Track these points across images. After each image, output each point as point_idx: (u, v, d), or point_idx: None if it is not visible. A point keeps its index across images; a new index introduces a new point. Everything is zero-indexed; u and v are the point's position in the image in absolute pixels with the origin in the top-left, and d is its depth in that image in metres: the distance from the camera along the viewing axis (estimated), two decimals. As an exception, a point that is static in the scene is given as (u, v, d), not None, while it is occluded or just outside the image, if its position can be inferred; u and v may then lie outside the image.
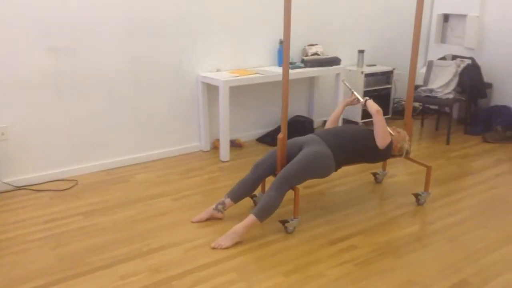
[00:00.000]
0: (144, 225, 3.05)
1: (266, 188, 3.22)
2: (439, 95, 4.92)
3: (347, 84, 3.63)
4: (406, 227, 3.08)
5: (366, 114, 3.86)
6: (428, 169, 3.38)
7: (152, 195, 3.50)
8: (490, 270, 2.60)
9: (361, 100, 3.32)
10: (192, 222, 3.08)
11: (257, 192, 3.34)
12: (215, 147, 4.49)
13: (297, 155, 3.01)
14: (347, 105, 3.49)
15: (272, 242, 2.86)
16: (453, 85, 4.95)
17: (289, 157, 3.06)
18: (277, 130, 4.85)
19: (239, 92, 4.62)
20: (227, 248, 2.79)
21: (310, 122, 4.93)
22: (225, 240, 2.82)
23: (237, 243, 2.82)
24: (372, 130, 3.17)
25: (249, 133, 4.84)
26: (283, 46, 2.97)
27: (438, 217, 3.22)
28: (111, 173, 3.90)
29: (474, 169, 4.10)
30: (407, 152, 3.36)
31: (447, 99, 4.89)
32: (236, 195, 3.12)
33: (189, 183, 3.72)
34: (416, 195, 3.42)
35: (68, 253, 2.72)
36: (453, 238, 2.94)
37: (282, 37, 4.70)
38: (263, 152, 4.48)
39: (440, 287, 2.45)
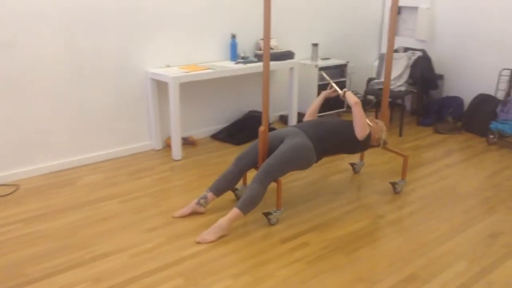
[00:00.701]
0: (88, 231, 2.92)
1: (248, 181, 3.28)
2: (391, 87, 4.94)
3: (325, 75, 3.64)
4: (358, 221, 3.07)
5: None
6: (405, 158, 3.43)
7: (99, 198, 3.36)
8: (439, 262, 2.61)
9: (340, 92, 3.33)
10: (174, 217, 3.07)
11: (239, 185, 3.33)
12: (167, 145, 4.37)
13: (279, 148, 3.00)
14: (326, 97, 3.49)
15: (223, 243, 2.78)
16: (405, 77, 4.99)
17: (270, 150, 3.06)
18: (232, 126, 4.78)
19: (191, 88, 4.50)
20: (212, 242, 2.78)
21: (265, 117, 4.86)
22: (209, 234, 2.80)
23: (218, 239, 2.74)
24: (351, 122, 3.19)
25: (203, 129, 4.74)
26: (263, 40, 2.91)
27: (390, 210, 3.22)
28: (55, 176, 3.72)
29: (425, 160, 4.14)
30: (385, 142, 3.39)
31: (399, 91, 4.92)
32: (218, 189, 3.11)
33: (138, 184, 3.59)
34: (393, 184, 3.48)
35: (4, 264, 2.57)
36: (403, 231, 2.94)
37: (233, 31, 4.64)
38: (217, 149, 4.40)
39: (389, 282, 2.44)
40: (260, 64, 4.54)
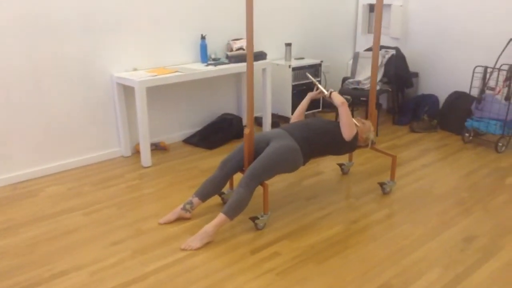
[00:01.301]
0: (49, 246, 2.77)
1: (234, 185, 3.23)
2: (365, 86, 4.87)
3: (310, 76, 3.58)
4: (331, 227, 2.97)
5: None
6: (393, 158, 3.38)
7: (61, 210, 3.21)
8: (412, 270, 2.53)
9: (326, 92, 3.26)
10: (159, 223, 2.99)
11: (225, 189, 3.26)
12: (137, 151, 4.23)
13: (265, 150, 2.95)
14: (312, 98, 3.43)
15: (190, 256, 2.66)
16: (379, 76, 4.92)
17: (256, 153, 3.01)
18: (205, 130, 4.66)
19: (161, 91, 4.37)
20: (197, 249, 2.70)
21: (239, 119, 4.76)
22: (194, 241, 2.74)
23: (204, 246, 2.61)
24: (338, 122, 3.14)
25: (175, 134, 4.60)
26: (247, 41, 2.82)
27: (364, 214, 3.14)
28: (16, 187, 3.56)
29: (401, 160, 4.08)
30: (373, 142, 3.34)
31: (374, 90, 4.84)
32: (204, 194, 3.05)
33: (104, 194, 3.45)
34: (382, 184, 3.43)
35: (-45, 286, 2.41)
36: (376, 237, 2.86)
37: (203, 32, 4.51)
38: (189, 154, 4.28)
39: (362, 293, 2.35)
40: (231, 66, 4.43)
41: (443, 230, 2.94)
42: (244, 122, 5.02)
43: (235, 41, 4.72)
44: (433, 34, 5.19)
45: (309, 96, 3.46)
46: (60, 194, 3.44)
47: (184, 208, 3.04)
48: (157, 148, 4.36)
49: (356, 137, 3.19)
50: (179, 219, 3.04)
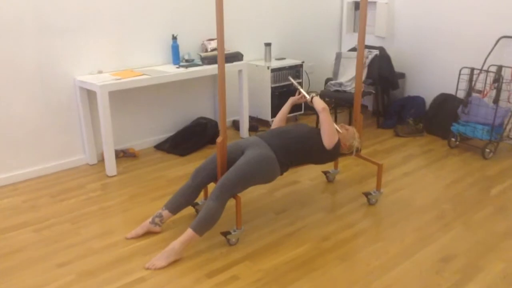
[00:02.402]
0: (-11, 268, 2.55)
1: (209, 194, 2.94)
2: (348, 89, 4.64)
3: (292, 80, 3.41)
4: (299, 246, 2.75)
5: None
6: (379, 167, 3.18)
7: (11, 226, 2.98)
8: (382, 296, 2.31)
9: (308, 97, 3.08)
10: (127, 238, 2.81)
11: (199, 199, 3.03)
12: (103, 159, 3.99)
13: (239, 160, 2.74)
14: (293, 103, 3.26)
15: (139, 281, 2.43)
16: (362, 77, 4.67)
17: (230, 162, 2.80)
18: (177, 136, 4.43)
19: (130, 94, 4.13)
20: (162, 268, 2.50)
21: (214, 124, 4.52)
22: (160, 259, 2.54)
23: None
24: (319, 129, 2.93)
25: (146, 140, 4.37)
26: (217, 42, 2.59)
27: (334, 230, 2.91)
28: (-33, 200, 3.33)
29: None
30: (358, 150, 3.14)
31: (357, 92, 4.60)
32: (174, 206, 2.84)
33: (60, 207, 3.22)
34: (367, 194, 3.22)
35: None
36: (347, 257, 2.63)
37: (175, 32, 4.27)
38: (160, 161, 4.05)
39: (323, 324, 2.13)
40: (204, 67, 4.19)
41: (420, 248, 2.71)
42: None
43: (209, 41, 4.49)
44: (420, 33, 4.95)
45: (291, 100, 3.28)
46: (13, 208, 3.21)
47: (153, 222, 2.84)
48: (125, 155, 4.13)
49: (338, 144, 2.98)
50: (148, 233, 2.84)
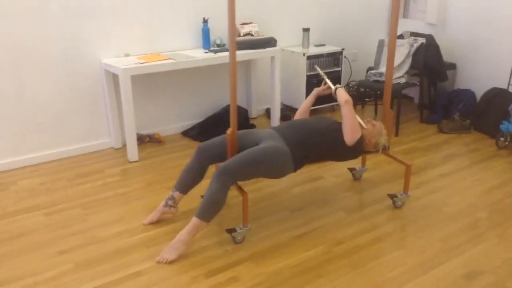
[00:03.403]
0: (-6, 250, 2.55)
1: None
2: (389, 79, 4.31)
3: (319, 69, 3.21)
4: (309, 249, 2.55)
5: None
6: (407, 168, 2.93)
7: (24, 208, 2.99)
8: (389, 313, 2.08)
9: (332, 88, 2.87)
10: (144, 224, 2.77)
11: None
12: (129, 143, 3.95)
13: (250, 148, 2.58)
14: (318, 94, 3.06)
15: (135, 275, 2.34)
16: (405, 67, 4.35)
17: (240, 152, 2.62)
18: (205, 122, 4.31)
19: (158, 79, 4.05)
20: (173, 260, 2.41)
21: (244, 112, 4.37)
22: (168, 252, 2.44)
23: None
24: (341, 123, 2.72)
25: (173, 125, 4.28)
26: (229, 25, 2.46)
27: (351, 234, 2.69)
28: (-10, 179, 3.38)
29: (416, 168, 3.54)
30: (385, 148, 2.90)
31: (398, 83, 4.29)
32: (183, 187, 2.76)
33: (75, 191, 3.20)
34: (392, 197, 2.98)
35: None
36: (359, 264, 2.41)
37: (206, 15, 4.12)
38: (185, 148, 3.96)
39: None
40: (236, 53, 4.00)
41: (443, 260, 2.44)
42: (251, 114, 4.63)
43: (243, 26, 4.31)
44: (474, 20, 4.51)
45: (315, 91, 3.08)
46: (30, 189, 3.23)
47: (166, 205, 2.78)
48: (151, 140, 4.07)
49: (361, 141, 2.74)
50: (165, 218, 2.80)
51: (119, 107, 3.85)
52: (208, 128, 4.23)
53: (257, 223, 2.79)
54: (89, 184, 3.30)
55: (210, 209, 2.44)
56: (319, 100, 3.36)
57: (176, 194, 2.76)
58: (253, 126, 4.37)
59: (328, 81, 2.98)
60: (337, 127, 2.75)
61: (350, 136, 2.69)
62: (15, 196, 3.13)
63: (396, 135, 4.20)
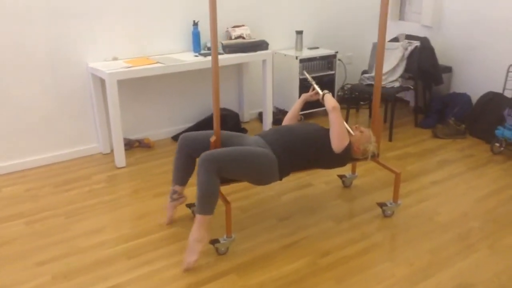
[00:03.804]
0: (-30, 261, 2.49)
1: None
2: (382, 83, 4.22)
3: (307, 75, 3.12)
4: (294, 260, 2.49)
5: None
6: (397, 176, 2.85)
7: (5, 217, 2.92)
8: (373, 330, 2.02)
9: (320, 93, 2.81)
10: (166, 224, 2.79)
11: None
12: (117, 148, 3.89)
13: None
14: (306, 100, 2.99)
15: None
16: (399, 71, 4.27)
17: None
18: (197, 126, 4.24)
19: (147, 83, 3.99)
20: (196, 261, 2.38)
21: (235, 116, 4.31)
22: (189, 254, 2.40)
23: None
24: (328, 130, 2.66)
25: (163, 130, 4.22)
26: (210, 27, 2.41)
27: (338, 244, 2.62)
28: (-27, 186, 3.32)
29: (408, 175, 3.47)
30: (374, 155, 2.83)
31: (392, 87, 4.22)
32: (180, 179, 2.76)
33: (59, 199, 3.13)
34: (382, 205, 2.90)
35: None
36: (344, 278, 2.34)
37: (196, 17, 4.05)
38: (174, 153, 3.85)
39: None
40: (225, 56, 3.96)
41: (431, 273, 2.37)
42: (243, 118, 4.57)
43: (234, 28, 4.24)
44: (471, 22, 4.43)
45: (303, 97, 3.02)
46: (14, 196, 3.17)
47: (172, 199, 2.78)
48: (140, 145, 4.01)
49: (349, 148, 2.67)
50: (140, 234, 2.73)
51: (107, 111, 3.78)
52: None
53: (243, 233, 2.73)
54: (75, 191, 3.24)
55: (206, 202, 2.37)
56: (312, 104, 3.31)
57: (177, 187, 2.76)
58: (244, 131, 4.31)
59: (316, 86, 2.92)
60: (324, 134, 2.68)
61: (337, 143, 2.62)
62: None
63: (390, 140, 4.12)
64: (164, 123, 4.21)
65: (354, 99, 4.77)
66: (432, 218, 2.88)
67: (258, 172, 2.52)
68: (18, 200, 3.12)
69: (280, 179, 2.62)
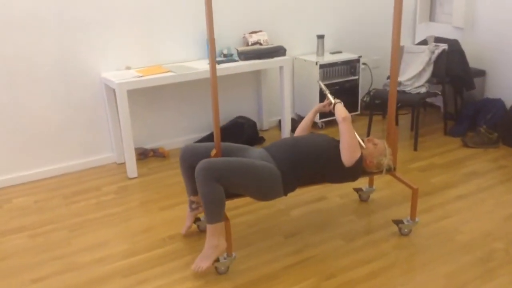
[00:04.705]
0: (-31, 276, 2.47)
1: None
2: (408, 89, 4.01)
3: (321, 84, 2.96)
4: (295, 283, 2.33)
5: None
6: (414, 191, 2.64)
7: (11, 229, 2.91)
8: None
9: (332, 102, 2.65)
10: (183, 234, 2.75)
11: (201, 215, 2.80)
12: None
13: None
14: (319, 110, 2.83)
15: (104, 308, 2.20)
16: (426, 76, 4.02)
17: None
18: (212, 135, 4.12)
19: (162, 92, 3.93)
20: (207, 268, 2.33)
21: (252, 124, 4.18)
22: (201, 259, 2.36)
23: None
24: (338, 141, 2.51)
25: (179, 139, 4.14)
26: (208, 35, 2.36)
27: (346, 265, 2.44)
28: (-15, 197, 3.34)
29: (431, 188, 3.23)
30: (390, 169, 2.65)
31: (418, 93, 3.98)
32: (193, 189, 2.63)
33: (66, 211, 3.10)
34: (398, 223, 2.71)
35: None
36: (349, 304, 2.17)
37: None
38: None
39: None
40: (240, 64, 3.85)
41: (446, 301, 2.16)
42: (260, 126, 4.44)
43: (251, 34, 4.12)
44: (504, 22, 4.13)
45: (317, 107, 2.85)
46: (23, 208, 3.16)
47: (191, 209, 2.72)
48: (155, 154, 3.95)
49: (360, 161, 2.50)
50: (140, 251, 2.64)
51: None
52: (214, 141, 4.05)
53: (246, 250, 2.59)
54: (83, 203, 3.20)
55: (212, 210, 2.29)
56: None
57: (193, 198, 2.68)
58: (262, 139, 4.18)
59: (330, 96, 2.75)
60: (334, 145, 2.52)
61: (348, 155, 2.45)
62: (6, 215, 3.07)
63: (415, 149, 3.89)
64: (179, 132, 4.13)
65: (378, 105, 4.54)
66: (452, 238, 2.65)
67: (258, 186, 2.39)
68: (25, 212, 3.11)
69: (285, 195, 2.47)
